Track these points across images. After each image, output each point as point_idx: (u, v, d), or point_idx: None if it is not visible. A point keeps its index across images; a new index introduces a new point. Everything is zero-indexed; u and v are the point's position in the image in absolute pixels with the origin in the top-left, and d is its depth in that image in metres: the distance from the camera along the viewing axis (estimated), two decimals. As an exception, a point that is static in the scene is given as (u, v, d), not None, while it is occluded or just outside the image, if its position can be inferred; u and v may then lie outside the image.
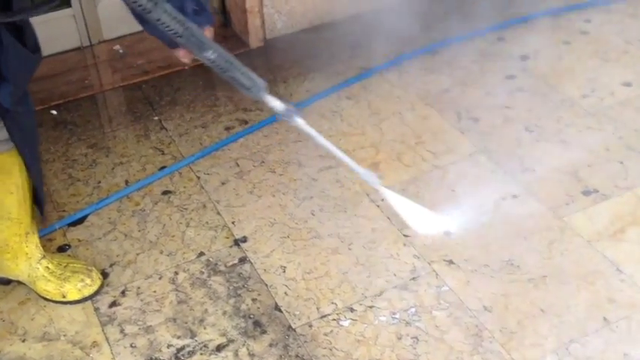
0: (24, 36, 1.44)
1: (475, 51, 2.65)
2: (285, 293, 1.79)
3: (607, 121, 2.28)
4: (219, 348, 1.67)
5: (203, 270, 1.87)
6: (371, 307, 1.74)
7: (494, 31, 2.75)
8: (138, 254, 1.92)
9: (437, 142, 2.26)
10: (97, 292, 1.83)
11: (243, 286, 1.82)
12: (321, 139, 1.63)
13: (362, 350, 1.64)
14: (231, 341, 1.68)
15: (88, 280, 1.82)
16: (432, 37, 2.69)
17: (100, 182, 2.17)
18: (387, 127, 2.33)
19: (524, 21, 2.80)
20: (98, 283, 1.84)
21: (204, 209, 2.05)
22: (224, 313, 1.75)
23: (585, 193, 2.01)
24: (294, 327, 1.70)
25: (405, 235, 1.92)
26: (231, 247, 1.92)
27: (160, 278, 1.85)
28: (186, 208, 2.06)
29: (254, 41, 2.75)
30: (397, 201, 1.81)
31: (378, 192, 2.05)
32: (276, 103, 1.57)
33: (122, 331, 1.73)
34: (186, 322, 1.73)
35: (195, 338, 1.69)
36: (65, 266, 1.83)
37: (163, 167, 2.22)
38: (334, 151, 1.66)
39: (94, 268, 1.86)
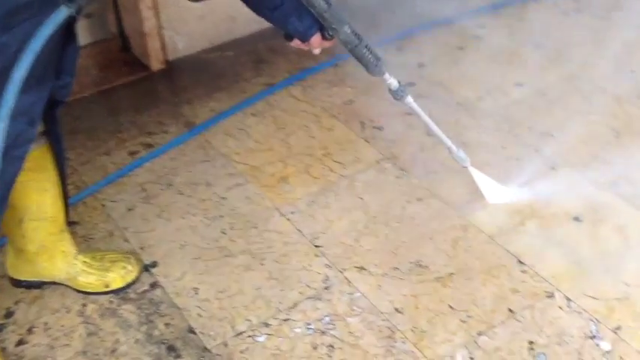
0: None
1: (375, 61, 2.71)
2: (199, 315, 1.77)
3: (502, 120, 2.37)
4: (133, 377, 1.64)
5: (112, 299, 1.82)
6: (286, 320, 1.75)
7: (393, 41, 2.83)
8: (44, 289, 1.86)
9: (343, 152, 2.30)
10: (137, 278, 1.84)
11: (155, 311, 1.79)
12: (426, 118, 1.82)
13: (278, 364, 1.64)
14: (145, 368, 1.65)
15: (129, 267, 1.83)
16: (334, 51, 2.72)
17: None
18: (293, 141, 2.35)
19: (420, 30, 2.88)
20: (137, 268, 1.85)
21: (111, 237, 2.01)
22: (136, 341, 1.72)
23: (486, 191, 2.09)
24: (209, 348, 1.69)
25: (316, 246, 1.94)
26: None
27: (67, 312, 1.80)
28: (92, 238, 2.01)
29: (155, 64, 2.73)
30: (478, 176, 2.01)
31: (289, 205, 2.08)
32: (392, 81, 1.70)
33: (30, 369, 1.67)
34: (97, 354, 1.69)
35: (108, 369, 1.66)
36: (101, 258, 1.84)
37: (67, 198, 2.16)
38: (436, 131, 1.87)
39: (131, 255, 1.87)
